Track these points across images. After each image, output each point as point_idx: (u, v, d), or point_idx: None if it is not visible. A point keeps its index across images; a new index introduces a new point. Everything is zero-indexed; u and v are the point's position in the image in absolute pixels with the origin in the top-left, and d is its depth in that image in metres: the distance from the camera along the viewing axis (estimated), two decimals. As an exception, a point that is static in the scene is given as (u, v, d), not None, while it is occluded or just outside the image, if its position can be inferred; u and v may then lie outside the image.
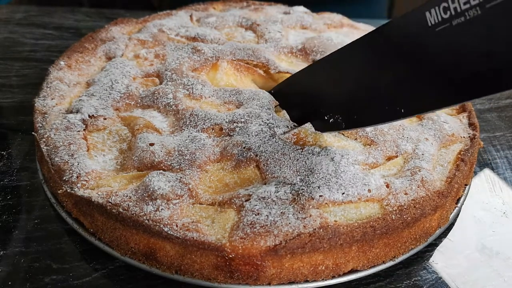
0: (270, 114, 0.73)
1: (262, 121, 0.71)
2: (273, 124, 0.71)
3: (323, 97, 0.68)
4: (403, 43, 0.54)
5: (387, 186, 0.63)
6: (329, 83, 0.67)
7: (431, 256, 0.66)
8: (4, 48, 1.13)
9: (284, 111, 0.76)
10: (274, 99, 0.78)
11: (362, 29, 1.09)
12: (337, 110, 0.64)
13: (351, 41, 0.63)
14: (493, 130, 0.95)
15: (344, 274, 0.60)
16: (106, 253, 0.62)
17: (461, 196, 0.72)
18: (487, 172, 0.83)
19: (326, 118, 0.65)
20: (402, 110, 0.53)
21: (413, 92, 0.53)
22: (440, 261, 0.65)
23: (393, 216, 0.60)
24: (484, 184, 0.80)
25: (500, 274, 0.64)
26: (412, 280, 0.62)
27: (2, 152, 0.80)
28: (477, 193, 0.77)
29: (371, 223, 0.58)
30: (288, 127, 0.72)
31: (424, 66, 0.51)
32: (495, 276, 0.63)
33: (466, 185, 0.73)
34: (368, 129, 0.72)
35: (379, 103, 0.57)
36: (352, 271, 0.60)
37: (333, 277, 0.60)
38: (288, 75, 0.84)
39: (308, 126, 0.70)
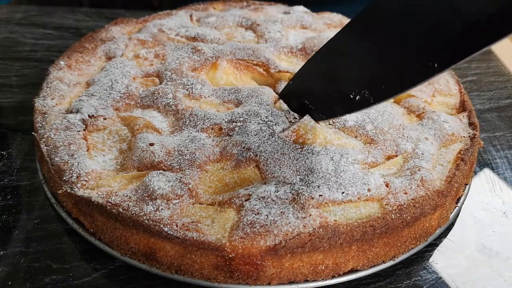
0: (269, 111, 0.73)
1: (261, 119, 0.72)
2: (272, 121, 0.71)
3: (344, 76, 0.65)
4: None
5: (387, 185, 0.63)
6: (347, 60, 0.65)
7: (431, 256, 0.66)
8: (4, 48, 1.12)
9: (281, 101, 0.76)
10: (273, 92, 0.78)
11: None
12: (363, 84, 0.60)
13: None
14: (493, 130, 0.94)
15: (344, 273, 0.60)
16: (106, 253, 0.62)
17: (461, 195, 0.72)
18: (487, 172, 0.83)
19: (351, 96, 0.62)
20: (436, 65, 0.49)
21: (444, 42, 0.49)
22: (440, 261, 0.65)
23: (393, 216, 0.60)
24: (484, 184, 0.80)
25: (500, 274, 0.64)
26: (412, 280, 0.62)
27: (2, 152, 0.80)
28: (477, 193, 0.77)
29: (371, 222, 0.58)
30: (287, 122, 0.72)
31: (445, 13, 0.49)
32: (495, 276, 0.63)
33: (466, 184, 0.73)
34: (369, 127, 0.72)
35: (409, 64, 0.53)
36: (352, 271, 0.60)
37: (333, 276, 0.60)
38: (288, 74, 0.85)
39: (307, 120, 0.70)
